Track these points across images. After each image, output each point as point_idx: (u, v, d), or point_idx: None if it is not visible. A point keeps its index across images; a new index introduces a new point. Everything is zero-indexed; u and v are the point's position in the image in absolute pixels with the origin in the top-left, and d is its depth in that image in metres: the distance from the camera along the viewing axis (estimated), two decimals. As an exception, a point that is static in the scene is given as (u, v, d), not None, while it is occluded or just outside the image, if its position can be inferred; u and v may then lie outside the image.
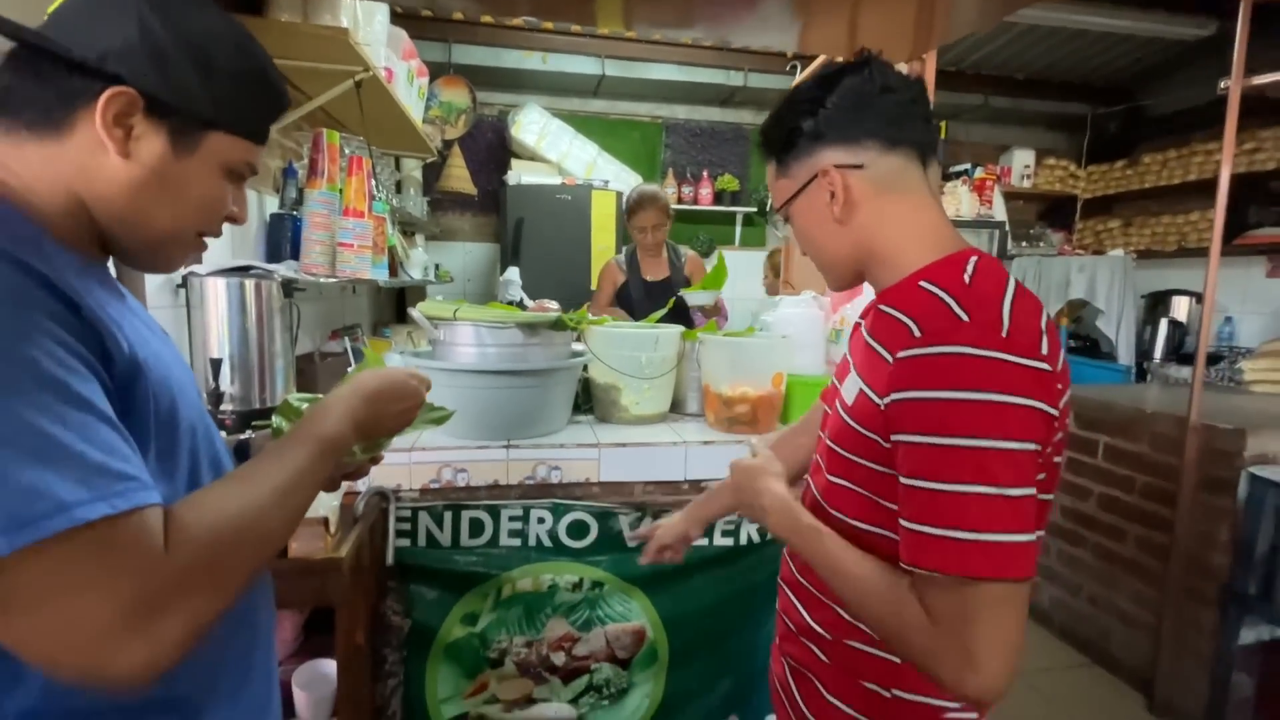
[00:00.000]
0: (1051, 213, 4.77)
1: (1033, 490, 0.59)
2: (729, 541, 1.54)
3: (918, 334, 0.64)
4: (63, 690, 0.50)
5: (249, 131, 0.62)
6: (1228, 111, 2.00)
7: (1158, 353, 3.77)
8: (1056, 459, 0.69)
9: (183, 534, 0.47)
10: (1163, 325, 3.77)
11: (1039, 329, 0.63)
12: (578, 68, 3.73)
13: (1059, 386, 0.63)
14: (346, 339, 2.27)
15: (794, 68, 3.58)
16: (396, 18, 2.71)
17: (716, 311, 2.41)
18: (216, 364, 1.25)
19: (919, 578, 0.61)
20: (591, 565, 1.48)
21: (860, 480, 0.71)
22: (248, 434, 0.85)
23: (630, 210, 2.58)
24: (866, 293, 1.73)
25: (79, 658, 0.42)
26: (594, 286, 3.66)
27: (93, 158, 0.54)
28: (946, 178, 4.31)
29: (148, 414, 0.53)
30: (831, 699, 0.78)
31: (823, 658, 0.79)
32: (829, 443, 0.77)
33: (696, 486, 1.53)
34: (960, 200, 4.01)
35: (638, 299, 2.61)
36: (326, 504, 1.09)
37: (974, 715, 0.75)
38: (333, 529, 1.10)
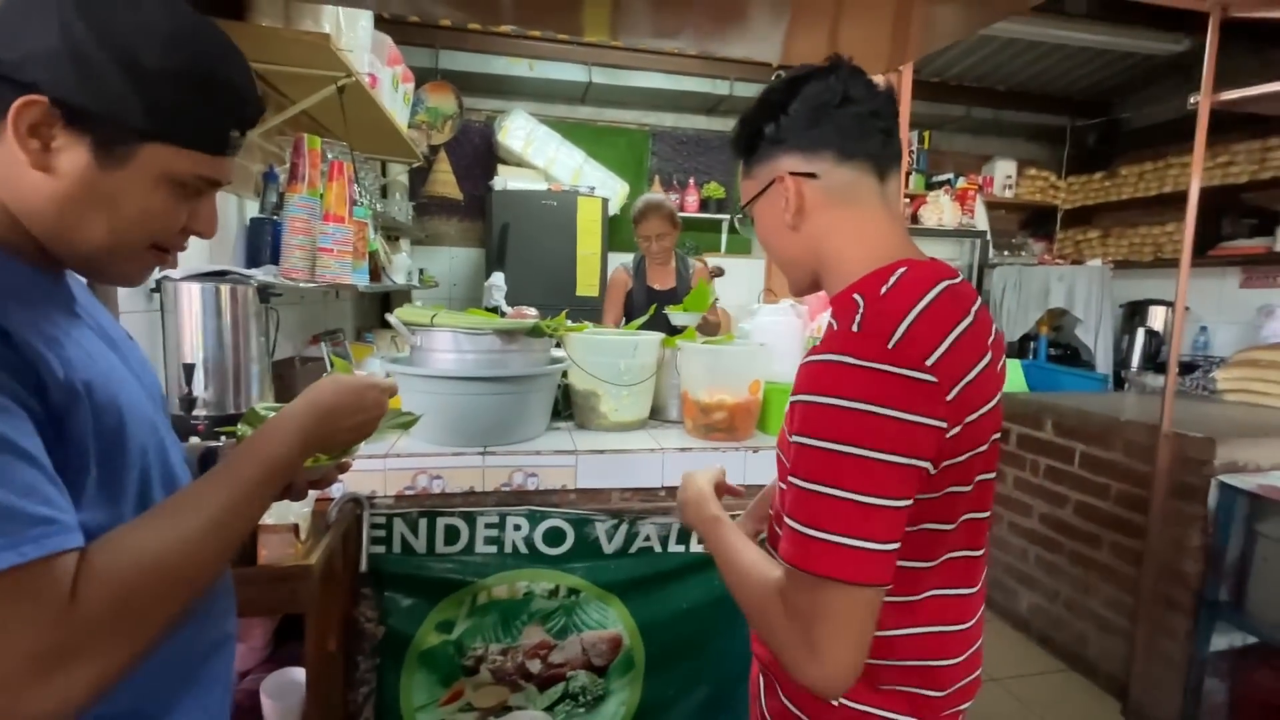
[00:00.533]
0: (1033, 222, 4.84)
1: (894, 502, 0.60)
2: (703, 549, 1.54)
3: (819, 343, 0.67)
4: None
5: (195, 141, 0.57)
6: (1197, 126, 2.05)
7: (1135, 361, 3.83)
8: (983, 476, 0.70)
9: (92, 581, 0.46)
10: (1139, 334, 3.83)
11: (938, 342, 0.64)
12: (565, 75, 3.75)
13: (948, 399, 0.63)
14: (326, 344, 2.26)
15: (779, 77, 3.62)
16: (382, 23, 2.72)
17: (711, 330, 2.41)
18: (189, 369, 1.25)
19: (785, 570, 0.64)
20: (568, 572, 1.48)
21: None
22: (219, 441, 0.84)
23: (636, 219, 2.60)
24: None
25: None
26: (579, 292, 3.67)
27: (13, 170, 0.52)
28: (930, 186, 4.37)
29: (86, 441, 0.52)
30: (785, 700, 0.79)
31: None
32: (780, 451, 0.80)
33: (673, 493, 1.53)
34: (943, 209, 4.06)
35: (641, 307, 2.62)
36: (297, 511, 1.08)
37: None
38: (303, 535, 1.10)
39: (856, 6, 1.44)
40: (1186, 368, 3.30)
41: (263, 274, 1.71)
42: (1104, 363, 3.87)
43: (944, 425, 0.62)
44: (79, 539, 0.47)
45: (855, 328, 0.65)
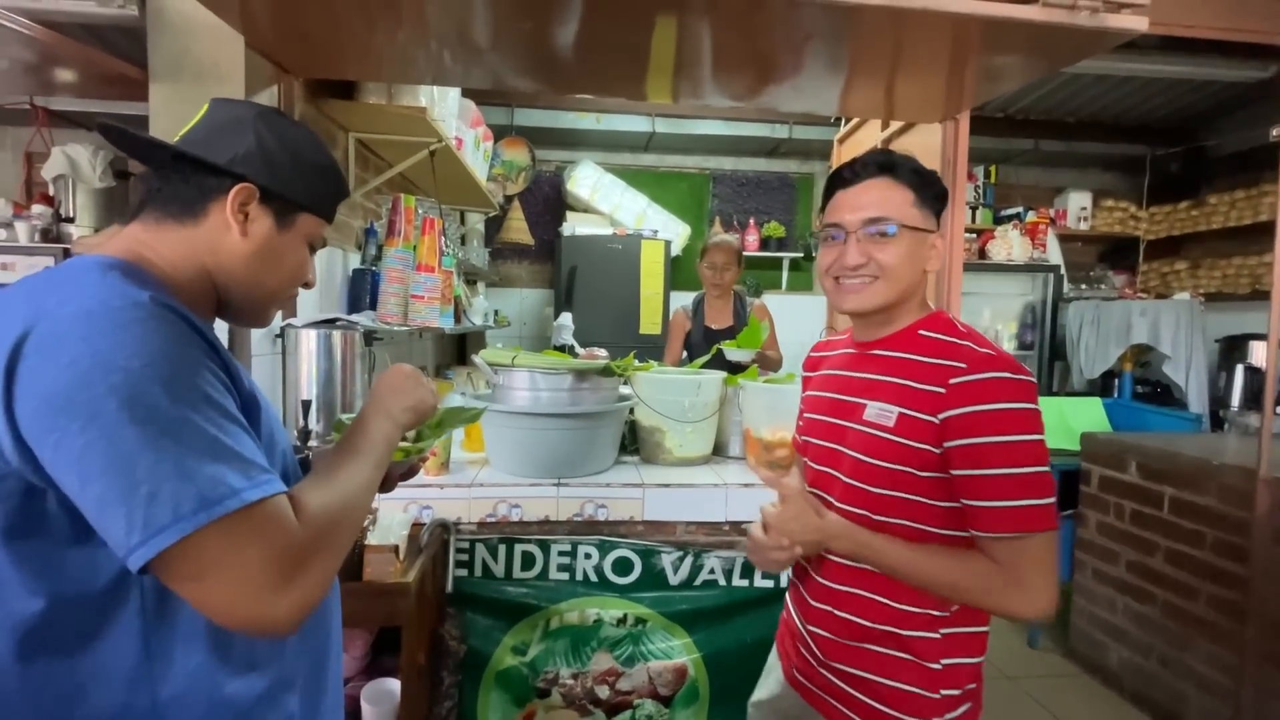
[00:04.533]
0: (1112, 254, 4.64)
1: (1049, 467, 0.83)
2: (769, 583, 1.58)
3: (962, 365, 0.85)
4: (206, 677, 0.62)
5: (326, 212, 0.79)
6: (1281, 157, 1.98)
7: (1235, 400, 3.58)
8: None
9: (307, 512, 0.61)
10: (1239, 371, 3.58)
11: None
12: (629, 126, 3.96)
13: None
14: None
15: (838, 120, 3.69)
16: (467, 89, 2.99)
17: (771, 365, 2.48)
18: (306, 405, 1.42)
19: (988, 542, 0.84)
20: (635, 601, 1.54)
21: (907, 487, 0.88)
22: (308, 452, 0.98)
23: (703, 251, 2.74)
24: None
25: (249, 607, 0.55)
26: (642, 330, 3.79)
27: (220, 237, 0.71)
28: (998, 221, 4.28)
29: (258, 437, 0.68)
30: (919, 690, 0.89)
31: (902, 654, 0.91)
32: (870, 461, 0.91)
33: (737, 528, 1.58)
34: (1012, 244, 3.97)
35: (699, 345, 2.71)
36: (397, 533, 1.21)
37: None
38: (401, 555, 1.22)
39: (912, 60, 1.51)
40: (1293, 407, 3.06)
41: (363, 319, 1.91)
42: (1197, 401, 3.63)
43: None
44: (285, 486, 0.61)
45: (984, 350, 0.87)
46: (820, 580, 0.97)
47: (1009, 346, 3.97)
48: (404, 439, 0.89)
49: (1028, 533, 0.81)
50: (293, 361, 1.47)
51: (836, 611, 0.95)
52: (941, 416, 0.84)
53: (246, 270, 0.72)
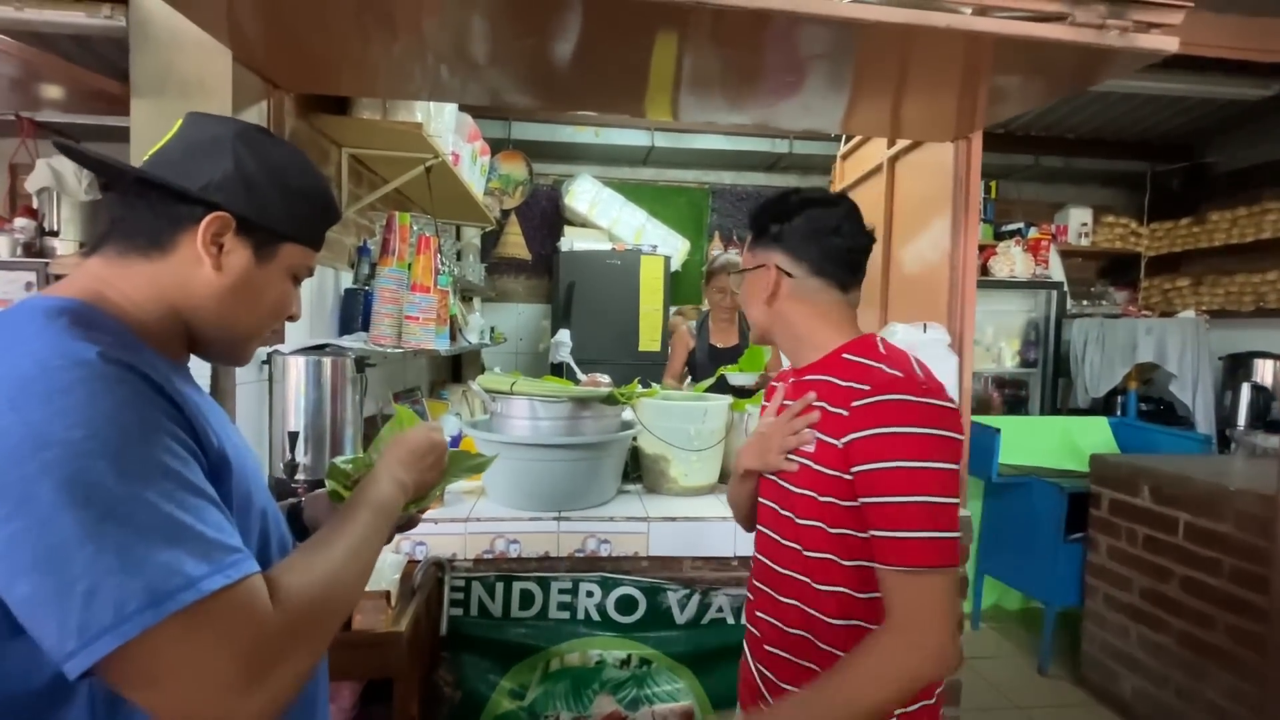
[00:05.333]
0: (1112, 271, 4.62)
1: (955, 500, 0.78)
2: (780, 621, 1.51)
3: (866, 388, 0.82)
4: None
5: (313, 241, 0.72)
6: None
7: (1241, 419, 3.54)
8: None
9: (285, 595, 0.54)
10: (1245, 390, 3.54)
11: (938, 379, 0.86)
12: (628, 140, 3.92)
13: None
14: (408, 403, 2.38)
15: (839, 135, 3.66)
16: (463, 104, 2.94)
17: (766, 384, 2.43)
18: (293, 436, 1.34)
19: (882, 579, 0.78)
20: (640, 642, 1.47)
21: (834, 519, 0.84)
22: (297, 499, 0.90)
23: (709, 275, 2.68)
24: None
25: (212, 712, 0.48)
26: (641, 347, 3.73)
27: (191, 272, 0.63)
28: (998, 237, 4.26)
29: (230, 501, 0.60)
30: None
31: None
32: (796, 490, 0.89)
33: (745, 563, 1.51)
34: (1014, 260, 3.93)
35: (703, 365, 2.65)
36: (388, 578, 1.14)
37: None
38: (393, 601, 1.14)
39: (920, 81, 1.47)
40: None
41: (355, 340, 1.84)
42: (1204, 421, 3.59)
43: (962, 438, 0.82)
44: (258, 566, 0.54)
45: (897, 373, 0.83)
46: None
47: (1012, 364, 3.92)
48: None
49: (919, 567, 0.75)
50: (279, 390, 1.40)
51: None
52: (844, 440, 0.82)
53: (221, 308, 0.65)
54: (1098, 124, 3.93)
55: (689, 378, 2.72)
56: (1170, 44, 1.10)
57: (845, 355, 0.89)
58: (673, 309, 3.94)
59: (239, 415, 1.36)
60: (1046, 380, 3.93)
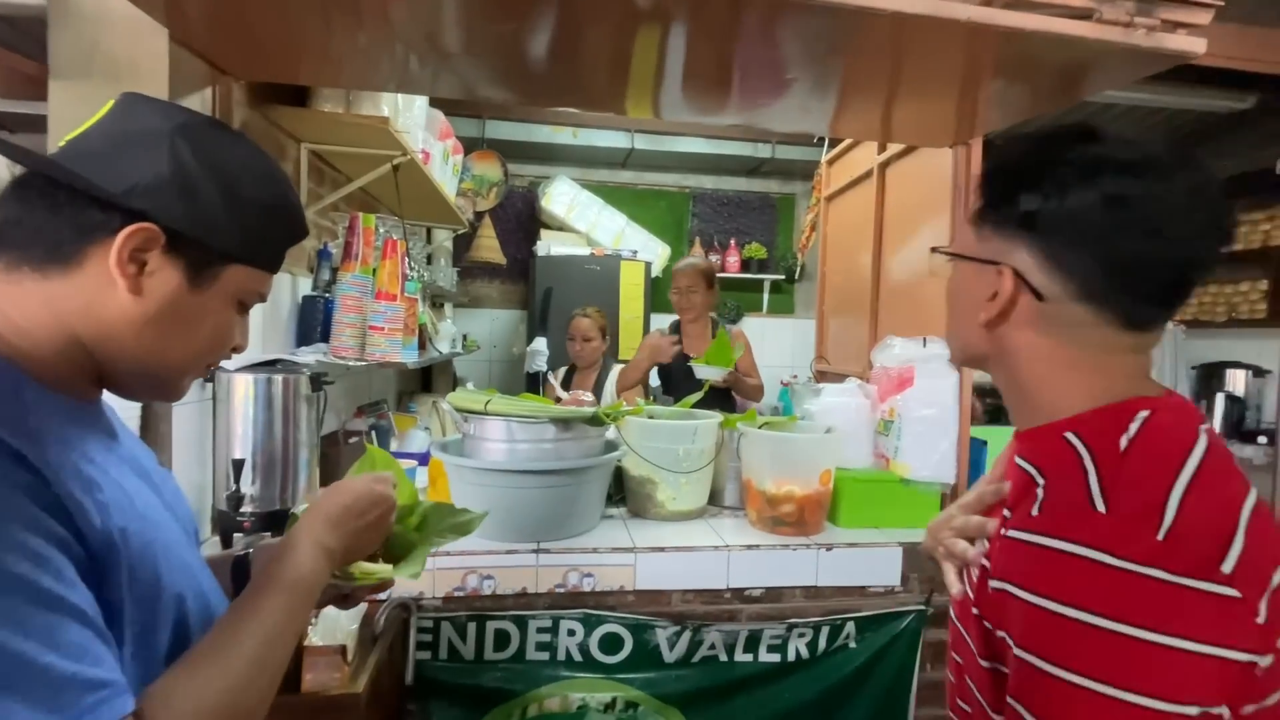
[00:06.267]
0: (1088, 279, 4.67)
1: None
2: (775, 658, 1.40)
3: (1035, 511, 0.51)
4: None
5: (266, 262, 0.61)
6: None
7: (1216, 429, 3.57)
8: None
9: (170, 717, 0.45)
10: (1219, 400, 3.58)
11: (1230, 530, 0.46)
12: (607, 141, 3.81)
13: (1258, 619, 0.45)
14: (373, 417, 2.22)
15: (822, 140, 3.61)
16: (435, 98, 2.80)
17: (752, 394, 2.38)
18: (239, 465, 1.20)
19: None
20: (625, 684, 1.35)
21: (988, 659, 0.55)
22: (245, 548, 0.76)
23: (673, 275, 2.59)
24: (916, 384, 1.64)
25: None
26: (621, 356, 3.60)
27: (99, 294, 0.52)
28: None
29: (121, 592, 0.48)
30: None
31: None
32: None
33: (740, 595, 1.41)
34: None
35: (678, 375, 2.54)
36: (345, 629, 1.00)
37: None
38: (350, 657, 1.01)
39: (914, 84, 1.39)
40: (1273, 435, 3.04)
41: (314, 353, 1.68)
42: (1180, 430, 3.61)
43: (1252, 658, 0.44)
44: (131, 701, 0.44)
45: (1100, 504, 0.48)
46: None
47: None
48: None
49: None
50: (224, 412, 1.25)
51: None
52: (992, 584, 0.54)
53: (140, 339, 0.54)
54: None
55: (653, 397, 2.62)
56: (1198, 46, 1.03)
57: (1067, 434, 0.54)
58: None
59: (176, 441, 1.20)
60: (1026, 389, 3.93)
